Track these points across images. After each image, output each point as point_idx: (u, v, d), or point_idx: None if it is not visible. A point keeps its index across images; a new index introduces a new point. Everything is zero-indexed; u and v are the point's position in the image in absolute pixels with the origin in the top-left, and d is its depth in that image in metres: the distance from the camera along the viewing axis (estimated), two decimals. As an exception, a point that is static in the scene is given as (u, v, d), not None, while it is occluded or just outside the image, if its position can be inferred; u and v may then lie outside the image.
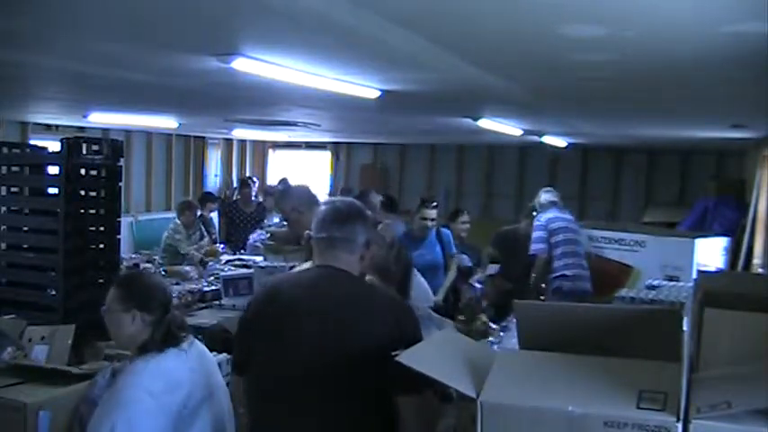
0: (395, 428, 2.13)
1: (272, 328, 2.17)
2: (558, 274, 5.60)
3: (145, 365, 2.26)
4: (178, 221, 7.18)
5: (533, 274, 5.69)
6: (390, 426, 2.14)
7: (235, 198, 8.90)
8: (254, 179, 10.25)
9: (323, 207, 2.28)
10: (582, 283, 5.59)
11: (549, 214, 5.77)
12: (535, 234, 5.72)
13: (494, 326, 4.04)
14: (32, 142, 7.44)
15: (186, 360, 2.32)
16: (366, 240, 2.22)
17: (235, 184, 11.08)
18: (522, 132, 7.63)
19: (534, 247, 5.69)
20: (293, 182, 9.55)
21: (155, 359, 2.27)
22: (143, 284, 2.43)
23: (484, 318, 4.13)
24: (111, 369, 2.66)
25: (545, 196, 5.95)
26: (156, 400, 2.19)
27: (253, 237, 7.37)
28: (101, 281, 3.77)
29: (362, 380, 2.08)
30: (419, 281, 4.16)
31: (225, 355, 3.06)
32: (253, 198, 8.53)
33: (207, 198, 8.47)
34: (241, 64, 3.41)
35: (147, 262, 6.37)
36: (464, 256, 5.72)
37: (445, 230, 5.49)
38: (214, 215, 8.38)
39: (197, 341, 2.47)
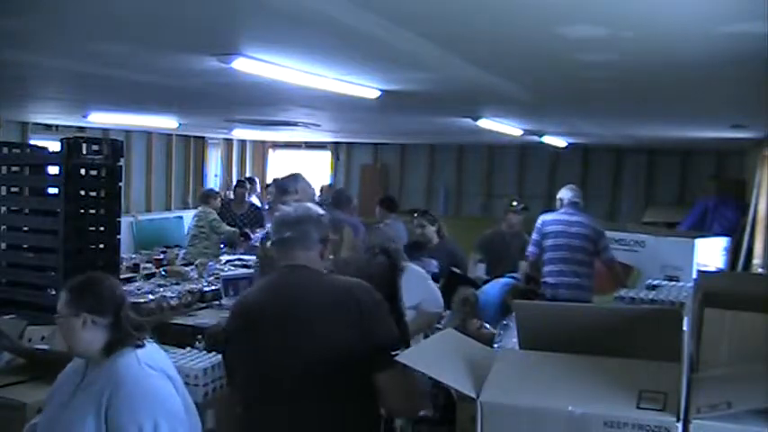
0: (373, 423, 2.25)
1: (245, 338, 2.30)
2: (543, 279, 5.42)
3: (132, 356, 2.20)
4: (208, 209, 7.29)
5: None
6: (368, 423, 2.24)
7: (229, 198, 8.87)
8: (255, 179, 10.24)
9: (275, 215, 2.48)
10: (565, 291, 5.20)
11: (547, 216, 5.59)
12: (532, 236, 5.61)
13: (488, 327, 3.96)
14: (32, 142, 7.45)
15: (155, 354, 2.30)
16: (322, 237, 2.35)
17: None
18: (522, 132, 7.62)
19: (528, 250, 5.61)
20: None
21: (136, 351, 2.22)
22: (92, 287, 2.31)
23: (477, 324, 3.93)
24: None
25: (562, 193, 5.65)
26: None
27: (254, 237, 7.36)
28: (101, 281, 3.77)
29: (334, 379, 2.15)
30: (431, 287, 4.15)
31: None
32: (246, 198, 8.51)
33: (209, 194, 8.44)
34: (241, 64, 3.41)
35: (148, 262, 6.36)
36: (432, 261, 5.19)
37: None
38: None
39: (154, 343, 2.38)
